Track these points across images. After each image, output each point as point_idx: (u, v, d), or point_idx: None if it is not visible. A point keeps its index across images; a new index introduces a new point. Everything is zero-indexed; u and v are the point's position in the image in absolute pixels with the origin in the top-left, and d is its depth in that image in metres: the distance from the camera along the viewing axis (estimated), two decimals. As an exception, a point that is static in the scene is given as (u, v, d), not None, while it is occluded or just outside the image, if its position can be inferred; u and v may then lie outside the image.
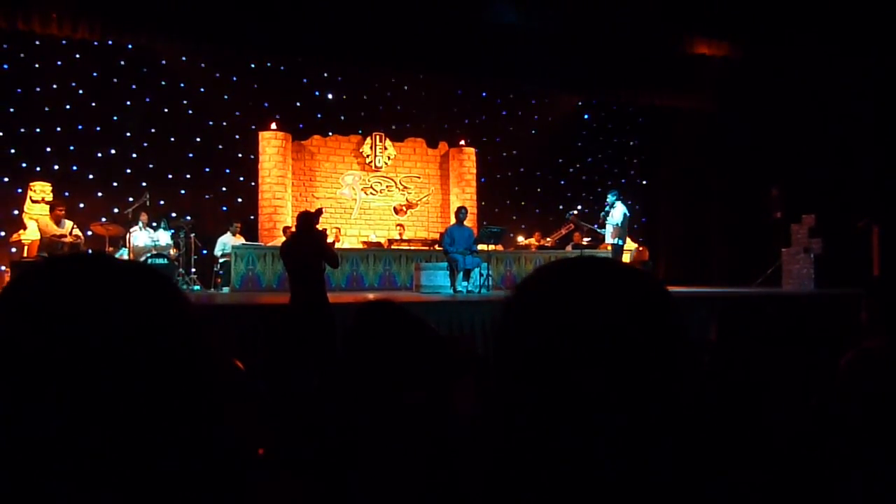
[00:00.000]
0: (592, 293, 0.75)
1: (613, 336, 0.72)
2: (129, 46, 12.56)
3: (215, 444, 0.72)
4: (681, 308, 0.77)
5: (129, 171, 12.91)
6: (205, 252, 12.53)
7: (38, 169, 11.89)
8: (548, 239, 14.46)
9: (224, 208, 13.78)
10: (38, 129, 12.20)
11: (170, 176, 13.33)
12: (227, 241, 12.25)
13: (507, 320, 0.79)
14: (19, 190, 11.29)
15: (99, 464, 0.64)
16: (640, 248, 14.26)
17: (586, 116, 17.12)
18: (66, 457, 0.63)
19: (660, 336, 0.74)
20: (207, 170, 13.68)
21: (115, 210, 12.13)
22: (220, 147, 13.81)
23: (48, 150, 12.26)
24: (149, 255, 10.71)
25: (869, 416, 2.32)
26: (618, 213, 10.86)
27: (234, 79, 13.84)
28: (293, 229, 8.81)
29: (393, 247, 13.11)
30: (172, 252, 11.26)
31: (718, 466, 2.16)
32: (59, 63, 12.34)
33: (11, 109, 12.03)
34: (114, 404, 0.65)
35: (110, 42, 11.67)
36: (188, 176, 13.54)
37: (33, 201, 10.46)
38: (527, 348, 0.74)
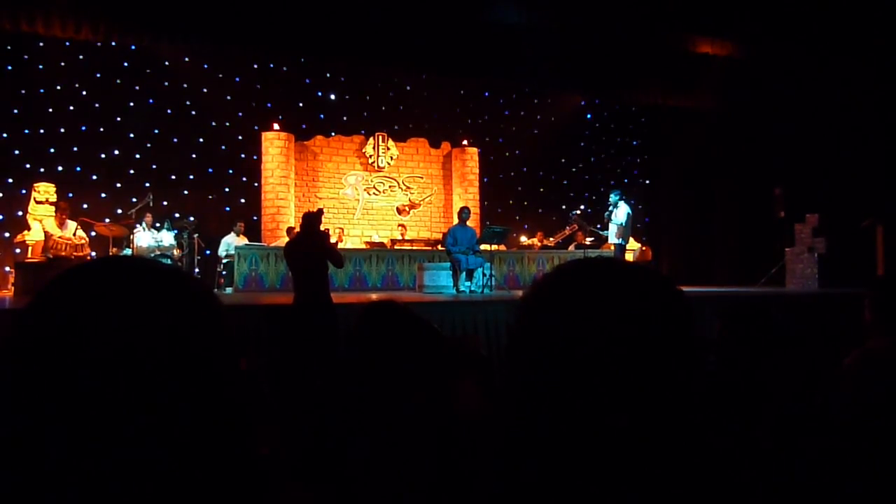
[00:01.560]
0: (609, 293, 0.76)
1: (630, 336, 0.72)
2: (133, 47, 12.58)
3: (247, 450, 0.72)
4: (692, 307, 0.77)
5: (132, 171, 12.94)
6: (208, 252, 12.54)
7: (41, 170, 11.92)
8: (551, 239, 14.45)
9: (227, 209, 13.79)
10: (41, 131, 12.23)
11: (173, 177, 13.36)
12: (231, 242, 12.26)
13: (523, 319, 0.79)
14: (23, 191, 11.31)
15: (134, 468, 0.64)
16: (644, 248, 14.25)
17: (589, 116, 17.11)
18: (103, 459, 0.63)
19: (675, 335, 0.74)
20: (210, 170, 13.70)
21: (119, 211, 12.16)
22: (223, 148, 13.83)
23: (52, 151, 12.29)
24: (152, 255, 10.72)
25: (873, 415, 2.31)
26: (622, 212, 10.86)
27: (237, 79, 13.87)
28: (297, 230, 8.81)
29: (396, 247, 13.11)
30: (176, 252, 11.27)
31: (722, 465, 2.16)
32: (62, 64, 12.37)
33: (15, 111, 12.06)
34: (152, 409, 0.65)
35: (113, 43, 11.68)
36: (191, 176, 13.57)
37: (37, 202, 10.47)
38: (543, 347, 0.75)
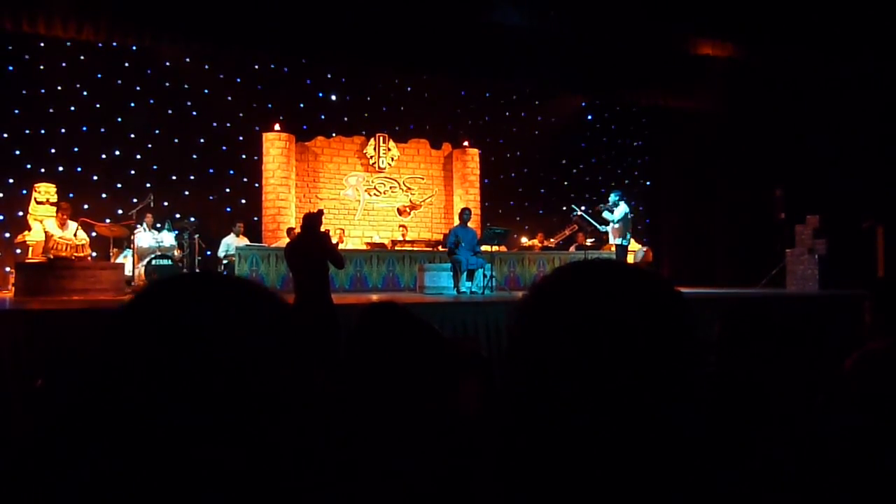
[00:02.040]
0: (608, 295, 0.76)
1: (629, 337, 0.73)
2: (134, 48, 12.60)
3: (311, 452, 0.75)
4: (692, 309, 0.77)
5: (133, 172, 12.95)
6: (209, 253, 12.54)
7: (42, 170, 11.93)
8: (551, 240, 14.45)
9: (228, 209, 13.80)
10: (42, 131, 12.25)
11: (174, 177, 13.37)
12: (231, 243, 12.26)
13: (522, 321, 0.80)
14: (24, 191, 11.32)
15: (215, 470, 0.67)
16: (645, 249, 14.25)
17: (590, 117, 17.12)
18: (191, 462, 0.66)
19: (674, 336, 0.75)
20: (211, 171, 13.71)
21: (120, 211, 12.17)
22: (224, 148, 13.84)
23: (53, 151, 12.31)
24: (153, 256, 10.72)
25: (874, 416, 2.31)
26: (619, 211, 10.91)
27: (238, 80, 13.87)
28: (297, 230, 8.81)
29: (396, 248, 13.11)
30: (176, 253, 11.27)
31: (723, 467, 2.16)
32: (63, 64, 12.39)
33: (16, 111, 12.08)
34: (235, 418, 0.67)
35: (115, 43, 11.70)
36: (192, 177, 13.58)
37: (38, 202, 10.47)
38: (543, 349, 0.75)
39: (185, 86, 13.44)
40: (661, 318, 0.75)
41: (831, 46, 12.07)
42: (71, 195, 11.42)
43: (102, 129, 12.76)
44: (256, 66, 13.94)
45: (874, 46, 12.05)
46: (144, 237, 10.97)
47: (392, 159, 15.37)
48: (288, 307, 0.78)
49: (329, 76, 14.68)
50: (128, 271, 10.45)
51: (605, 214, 11.10)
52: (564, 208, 15.43)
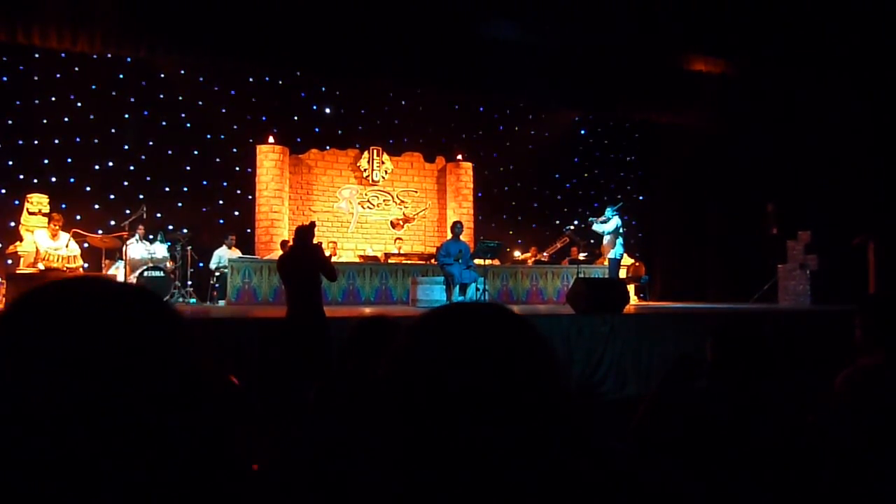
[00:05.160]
0: (470, 331, 0.86)
1: (483, 375, 0.81)
2: (128, 59, 12.61)
3: (213, 461, 0.73)
4: (547, 344, 0.88)
5: (126, 183, 12.93)
6: (201, 265, 12.52)
7: (35, 181, 11.90)
8: (544, 253, 14.47)
9: (221, 221, 13.79)
10: (35, 142, 12.23)
11: (167, 188, 13.36)
12: (224, 254, 12.24)
13: (406, 347, 0.88)
14: (16, 202, 11.29)
15: (94, 479, 0.65)
16: (637, 264, 14.28)
17: (583, 132, 17.20)
18: (63, 470, 0.65)
19: (524, 362, 0.84)
20: (205, 182, 13.70)
21: (112, 222, 12.13)
22: (218, 160, 13.84)
23: (46, 161, 12.29)
24: (145, 267, 10.69)
25: (865, 433, 2.32)
26: (610, 225, 10.97)
27: (233, 92, 13.90)
28: (290, 243, 8.80)
29: (390, 261, 13.10)
30: (169, 265, 11.25)
31: (718, 483, 2.16)
32: (57, 76, 12.39)
33: (10, 121, 12.06)
34: (110, 421, 0.66)
35: (109, 55, 11.71)
36: (185, 189, 13.56)
37: (30, 213, 10.43)
38: (419, 372, 0.83)
39: (180, 97, 13.46)
40: (500, 348, 0.84)
41: (823, 62, 12.16)
42: (63, 206, 11.40)
43: (96, 140, 12.76)
44: (251, 79, 13.97)
45: (865, 62, 12.14)
46: (137, 248, 10.94)
47: (385, 172, 15.39)
48: (173, 309, 0.79)
49: (323, 89, 14.72)
50: (119, 283, 10.40)
51: (596, 227, 11.16)
52: (558, 222, 15.48)
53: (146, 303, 0.76)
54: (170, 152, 13.41)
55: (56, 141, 12.38)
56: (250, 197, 14.05)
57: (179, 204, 13.45)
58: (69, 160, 12.49)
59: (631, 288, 12.24)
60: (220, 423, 0.77)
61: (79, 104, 12.61)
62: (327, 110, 14.95)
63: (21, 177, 12.02)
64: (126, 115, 13.01)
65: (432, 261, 12.46)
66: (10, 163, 12.06)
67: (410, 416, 0.82)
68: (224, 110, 13.76)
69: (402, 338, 0.90)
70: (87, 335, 0.69)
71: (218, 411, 0.77)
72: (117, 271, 10.79)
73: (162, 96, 13.37)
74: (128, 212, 11.55)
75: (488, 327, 0.86)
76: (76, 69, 12.49)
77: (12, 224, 11.16)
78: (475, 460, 0.78)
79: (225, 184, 13.97)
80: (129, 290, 0.77)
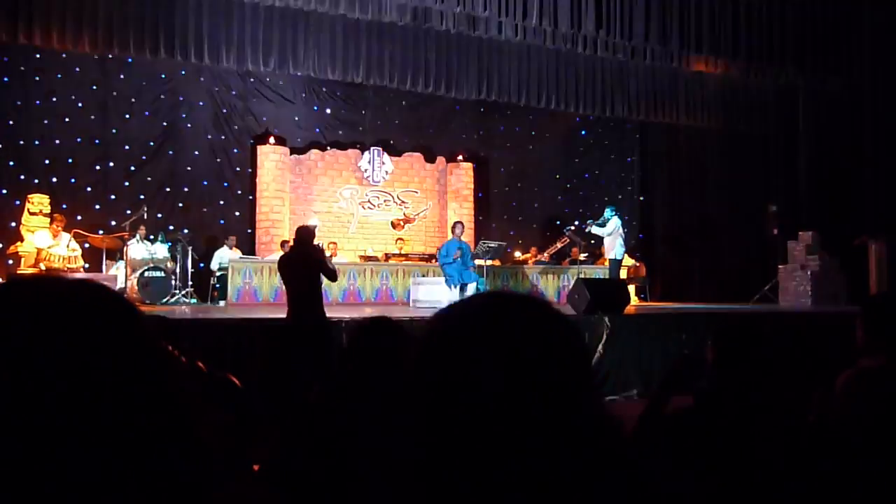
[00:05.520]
0: (508, 324, 0.82)
1: (517, 369, 0.78)
2: (129, 60, 12.60)
3: (175, 458, 0.73)
4: (580, 333, 0.85)
5: (127, 184, 12.93)
6: (202, 265, 12.51)
7: (36, 181, 11.90)
8: (544, 254, 14.45)
9: (221, 222, 13.78)
10: (36, 142, 12.22)
11: (168, 189, 13.35)
12: (224, 255, 12.24)
13: (434, 340, 0.84)
14: (17, 202, 11.30)
15: (58, 481, 0.65)
16: (638, 264, 14.28)
17: (583, 132, 17.18)
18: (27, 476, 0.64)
19: (562, 359, 0.81)
20: (205, 183, 13.69)
21: (113, 223, 12.13)
22: (218, 160, 13.84)
23: (46, 162, 12.27)
24: (146, 267, 10.69)
25: (866, 435, 2.31)
26: (610, 226, 10.97)
27: (234, 92, 13.89)
28: (291, 243, 8.81)
29: (390, 261, 13.10)
30: (169, 265, 11.25)
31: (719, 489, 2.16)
32: (58, 76, 12.39)
33: (10, 122, 12.05)
34: (65, 423, 0.66)
35: (110, 56, 11.70)
36: (186, 189, 13.55)
37: (31, 213, 10.45)
38: (450, 366, 0.80)
39: (180, 98, 13.45)
40: (552, 344, 0.81)
41: (822, 62, 12.15)
42: (64, 206, 11.41)
43: (97, 141, 12.75)
44: (252, 80, 13.96)
45: (864, 62, 12.14)
46: (137, 249, 10.95)
47: (386, 173, 15.39)
48: (129, 305, 0.78)
49: (324, 89, 14.70)
50: (120, 283, 10.42)
51: (594, 230, 11.14)
52: (558, 222, 15.47)
53: (99, 298, 0.75)
54: (170, 153, 13.41)
55: (57, 141, 12.38)
56: (251, 197, 14.05)
57: (180, 204, 13.44)
58: (70, 161, 12.48)
59: (631, 288, 12.24)
60: (183, 414, 0.75)
61: (80, 105, 12.61)
62: (328, 111, 14.95)
63: (22, 177, 12.01)
64: (126, 115, 13.00)
65: (433, 261, 12.46)
66: (11, 163, 12.05)
67: (440, 417, 0.78)
68: (224, 110, 13.76)
69: (431, 330, 0.85)
70: (35, 334, 0.68)
71: (181, 402, 0.76)
72: (118, 272, 10.80)
73: (163, 97, 13.37)
74: (128, 212, 11.55)
75: (535, 325, 0.83)
76: (77, 70, 12.49)
77: (13, 224, 11.17)
78: (509, 467, 0.75)
79: (226, 184, 13.97)
80: (81, 287, 0.76)
